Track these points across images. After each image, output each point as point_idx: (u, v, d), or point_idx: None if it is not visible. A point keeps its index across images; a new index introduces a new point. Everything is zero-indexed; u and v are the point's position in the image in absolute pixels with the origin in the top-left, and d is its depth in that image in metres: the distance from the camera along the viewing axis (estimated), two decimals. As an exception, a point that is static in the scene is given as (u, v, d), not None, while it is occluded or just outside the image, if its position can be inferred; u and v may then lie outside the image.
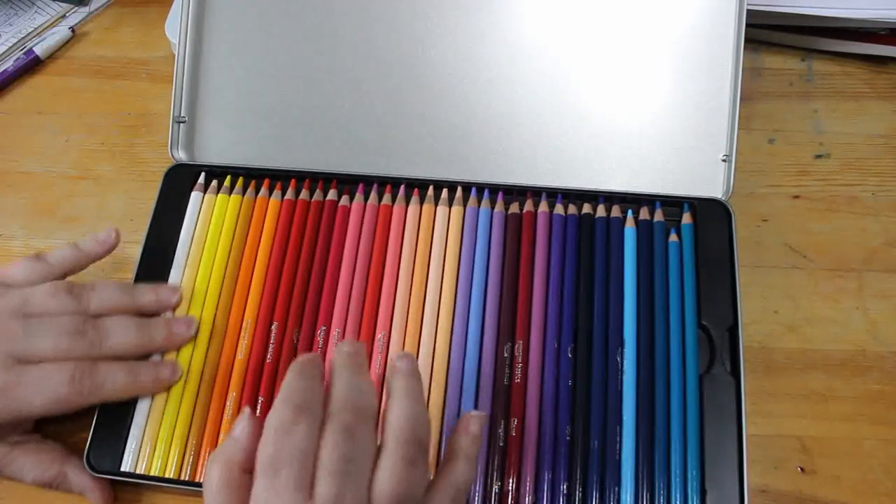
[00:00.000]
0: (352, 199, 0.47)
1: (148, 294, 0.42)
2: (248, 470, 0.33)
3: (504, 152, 0.48)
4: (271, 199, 0.47)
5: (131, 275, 0.45)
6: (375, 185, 0.47)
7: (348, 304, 0.43)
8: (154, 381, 0.40)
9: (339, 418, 0.32)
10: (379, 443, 0.33)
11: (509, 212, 0.46)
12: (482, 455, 0.40)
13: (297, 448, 0.31)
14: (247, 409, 0.34)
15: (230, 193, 0.47)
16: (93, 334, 0.39)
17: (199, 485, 0.39)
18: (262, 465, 0.31)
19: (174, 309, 0.43)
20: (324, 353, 0.42)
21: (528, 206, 0.46)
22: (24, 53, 0.58)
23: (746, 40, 0.46)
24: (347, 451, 0.31)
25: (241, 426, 0.34)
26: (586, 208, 0.46)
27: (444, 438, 0.40)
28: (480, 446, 0.37)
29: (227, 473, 0.33)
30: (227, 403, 0.41)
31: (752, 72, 0.55)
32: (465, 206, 0.46)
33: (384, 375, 0.41)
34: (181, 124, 0.49)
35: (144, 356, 0.41)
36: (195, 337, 0.42)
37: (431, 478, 0.34)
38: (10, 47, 0.59)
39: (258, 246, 0.45)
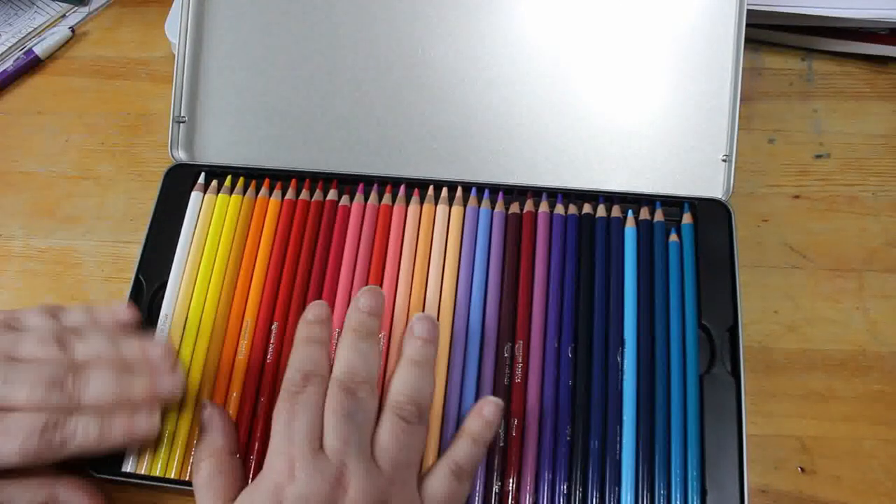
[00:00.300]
0: (352, 199, 0.47)
1: (134, 348, 0.39)
2: (234, 452, 0.37)
3: (504, 152, 0.48)
4: (271, 199, 0.47)
5: (131, 275, 0.45)
6: (375, 186, 0.47)
7: (348, 304, 0.43)
8: (128, 434, 0.37)
9: (341, 382, 0.36)
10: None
11: (509, 212, 0.46)
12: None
13: (306, 405, 0.35)
14: (205, 400, 0.39)
15: (230, 193, 0.47)
16: (71, 386, 0.36)
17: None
18: (276, 424, 0.35)
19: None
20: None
21: (529, 206, 0.46)
22: (24, 53, 0.58)
23: (746, 40, 0.46)
24: (348, 408, 0.35)
25: (208, 413, 0.38)
26: (586, 208, 0.46)
27: (444, 438, 0.40)
28: (493, 433, 0.39)
29: (215, 461, 0.36)
30: (228, 403, 0.41)
31: (752, 72, 0.55)
32: (465, 206, 0.46)
33: (385, 372, 0.41)
34: (181, 124, 0.49)
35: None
36: (181, 395, 0.40)
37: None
38: (10, 47, 0.59)
39: (258, 246, 0.45)
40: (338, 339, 0.41)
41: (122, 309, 0.41)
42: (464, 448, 0.38)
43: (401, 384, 0.37)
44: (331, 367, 0.37)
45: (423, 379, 0.38)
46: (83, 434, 0.36)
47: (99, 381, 0.37)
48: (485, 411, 0.39)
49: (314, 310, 0.39)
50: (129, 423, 0.37)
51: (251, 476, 0.39)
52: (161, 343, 0.40)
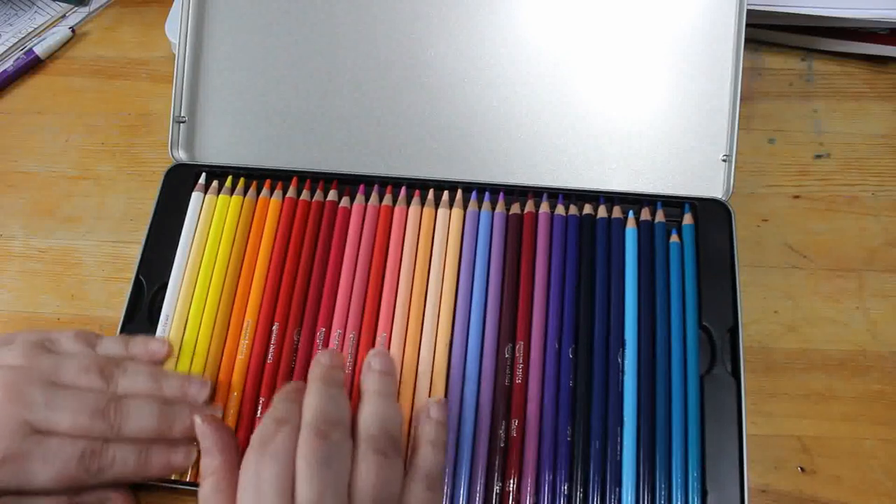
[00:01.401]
0: (352, 199, 0.47)
1: (175, 386, 0.40)
2: (235, 465, 0.36)
3: (504, 152, 0.48)
4: (272, 199, 0.47)
5: (131, 275, 0.45)
6: (376, 186, 0.47)
7: (349, 305, 0.43)
8: (165, 467, 0.38)
9: (312, 426, 0.34)
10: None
11: (510, 212, 0.46)
12: (483, 455, 0.40)
13: (275, 455, 0.33)
14: (196, 418, 0.38)
15: (231, 194, 0.47)
16: (113, 416, 0.37)
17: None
18: (243, 475, 0.34)
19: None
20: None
21: (529, 206, 0.46)
22: (24, 53, 0.58)
23: (746, 40, 0.46)
24: (323, 454, 0.33)
25: (201, 430, 0.38)
26: (587, 209, 0.46)
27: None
28: (447, 431, 0.39)
29: (215, 479, 0.36)
30: (229, 404, 0.41)
31: (752, 72, 0.55)
32: (465, 208, 0.46)
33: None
34: (181, 124, 0.49)
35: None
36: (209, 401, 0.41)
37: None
38: (10, 47, 0.59)
39: (259, 247, 0.45)
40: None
41: (157, 344, 0.42)
42: (428, 457, 0.37)
43: (371, 417, 0.36)
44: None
45: (391, 409, 0.37)
46: (121, 464, 0.37)
47: (140, 415, 0.38)
48: (432, 414, 0.38)
49: (294, 383, 0.39)
50: (166, 457, 0.38)
51: None
52: (201, 381, 0.41)
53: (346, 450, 0.34)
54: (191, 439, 0.39)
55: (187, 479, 0.39)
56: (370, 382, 0.38)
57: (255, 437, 0.35)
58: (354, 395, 0.40)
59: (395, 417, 0.37)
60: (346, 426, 0.35)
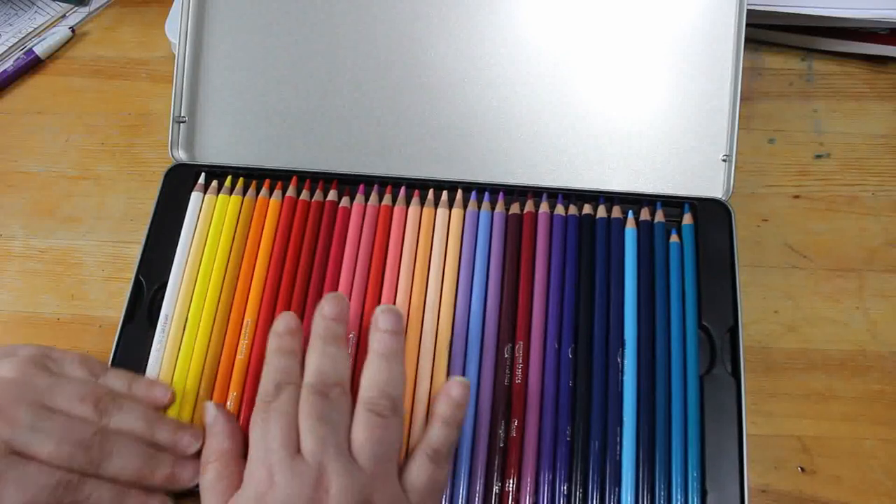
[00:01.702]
0: (352, 199, 0.47)
1: (167, 433, 0.39)
2: (241, 454, 0.37)
3: (504, 152, 0.48)
4: (271, 199, 0.47)
5: (131, 275, 0.45)
6: (376, 186, 0.47)
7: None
8: None
9: (312, 386, 0.36)
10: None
11: (509, 212, 0.46)
12: (482, 455, 0.40)
13: (279, 412, 0.36)
14: (207, 402, 0.40)
15: (230, 194, 0.47)
16: (96, 452, 0.36)
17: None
18: (252, 434, 0.36)
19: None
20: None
21: (529, 206, 0.46)
22: (24, 53, 0.58)
23: (746, 40, 0.46)
24: (322, 410, 0.35)
25: (212, 416, 0.39)
26: (587, 209, 0.46)
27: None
28: (464, 412, 0.39)
29: (221, 465, 0.37)
30: (228, 403, 0.41)
31: (752, 72, 0.55)
32: (465, 208, 0.46)
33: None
34: (181, 124, 0.49)
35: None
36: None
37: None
38: (10, 47, 0.59)
39: (259, 247, 0.45)
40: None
41: (160, 390, 0.41)
42: (437, 432, 0.37)
43: (371, 379, 0.37)
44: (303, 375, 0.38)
45: (393, 371, 0.38)
46: (95, 502, 0.36)
47: (124, 455, 0.37)
48: (452, 392, 0.39)
49: (283, 321, 0.39)
50: (143, 502, 0.37)
51: None
52: (194, 434, 0.39)
53: (344, 406, 0.36)
54: (169, 490, 0.38)
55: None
56: (375, 342, 0.39)
57: (258, 398, 0.37)
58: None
59: (397, 380, 0.38)
60: (344, 384, 0.37)
